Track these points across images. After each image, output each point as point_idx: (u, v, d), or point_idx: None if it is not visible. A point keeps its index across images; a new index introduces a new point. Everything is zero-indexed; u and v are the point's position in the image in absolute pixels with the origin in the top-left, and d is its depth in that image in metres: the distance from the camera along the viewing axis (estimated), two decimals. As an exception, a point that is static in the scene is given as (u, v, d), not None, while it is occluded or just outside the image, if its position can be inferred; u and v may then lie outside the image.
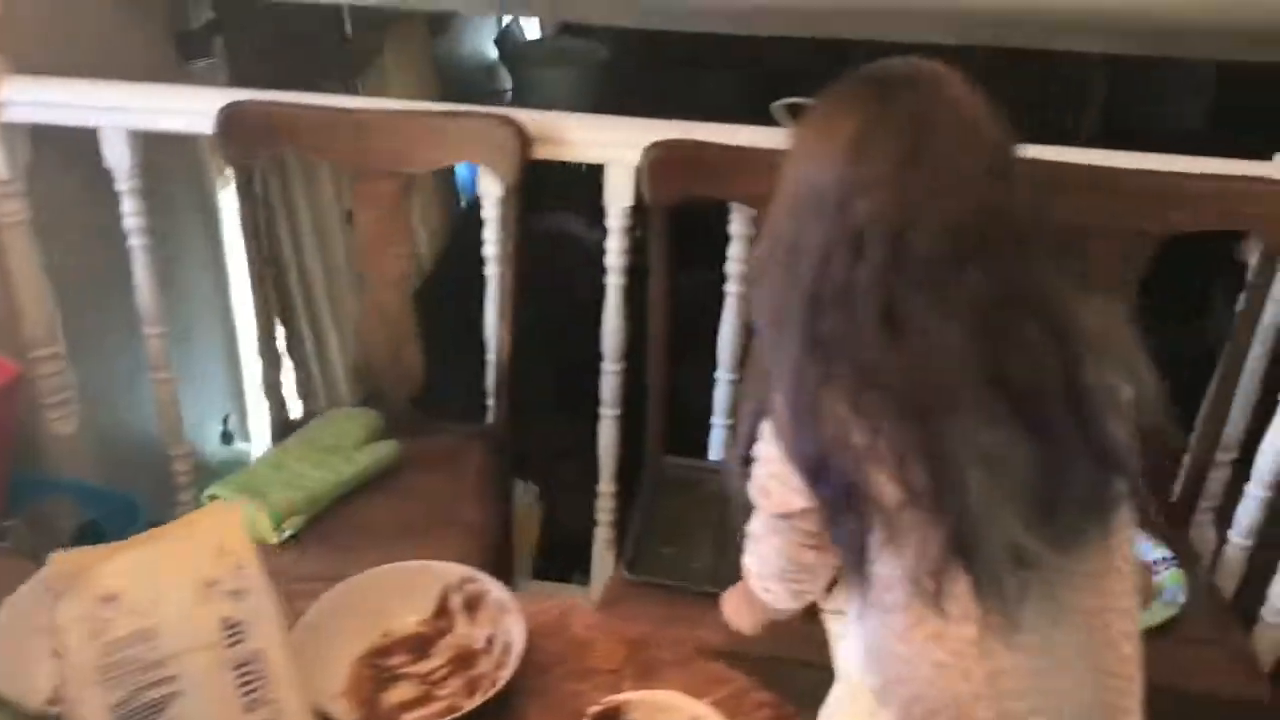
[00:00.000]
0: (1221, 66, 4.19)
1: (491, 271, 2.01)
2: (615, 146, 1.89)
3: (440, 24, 4.52)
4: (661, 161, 1.82)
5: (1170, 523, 1.93)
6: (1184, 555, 1.83)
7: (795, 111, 1.22)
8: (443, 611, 1.31)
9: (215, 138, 1.89)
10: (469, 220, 4.36)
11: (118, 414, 2.46)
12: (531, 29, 5.32)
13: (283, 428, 2.09)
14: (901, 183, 1.08)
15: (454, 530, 1.84)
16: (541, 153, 1.93)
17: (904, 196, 1.08)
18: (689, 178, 1.84)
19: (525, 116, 1.89)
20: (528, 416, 2.25)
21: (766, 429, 1.23)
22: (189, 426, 2.76)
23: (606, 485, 2.23)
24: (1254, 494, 1.92)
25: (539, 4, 2.99)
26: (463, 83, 4.97)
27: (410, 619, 1.30)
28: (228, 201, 2.81)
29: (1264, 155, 1.84)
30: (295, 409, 2.24)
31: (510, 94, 5.06)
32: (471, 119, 1.89)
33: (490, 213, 1.96)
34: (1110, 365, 1.16)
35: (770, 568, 1.32)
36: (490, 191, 1.94)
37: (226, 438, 2.86)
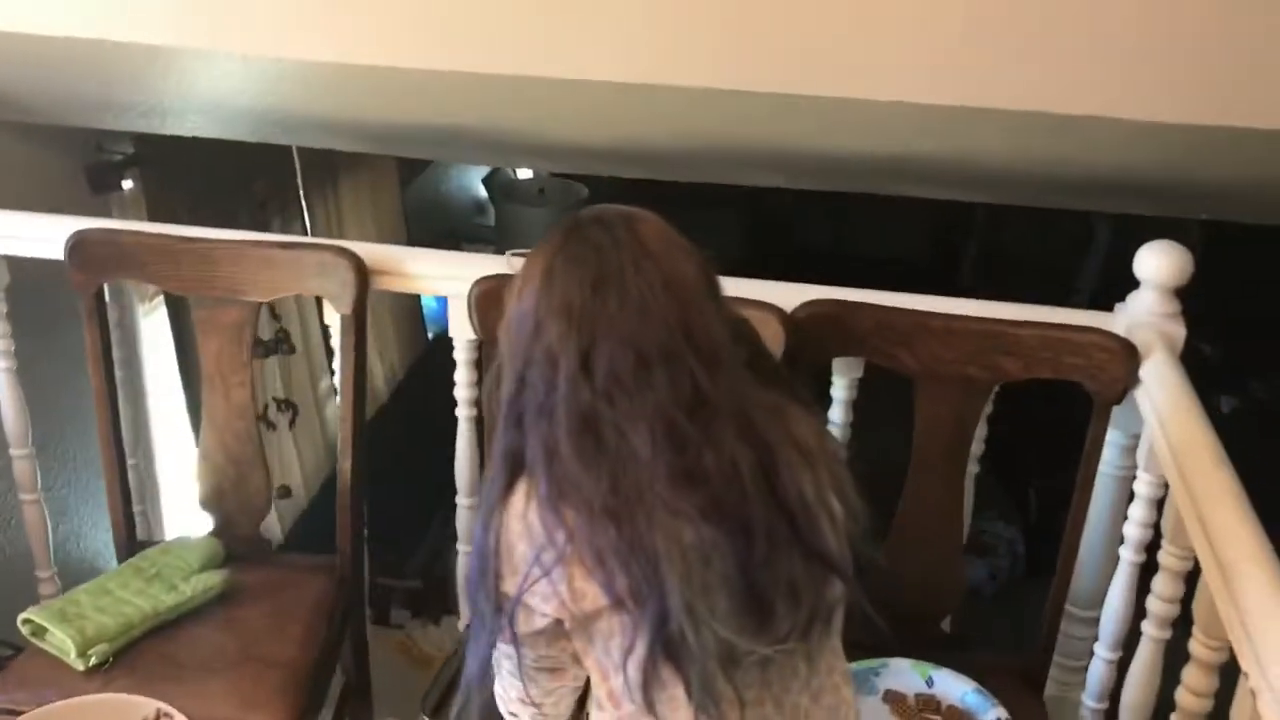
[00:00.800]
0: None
1: (337, 402, 2.01)
2: (453, 280, 1.90)
3: (424, 161, 4.64)
4: (486, 295, 1.82)
5: (1021, 681, 1.83)
6: (1027, 717, 1.73)
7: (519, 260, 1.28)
8: (137, 747, 1.26)
9: (65, 264, 1.93)
10: (434, 353, 4.41)
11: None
12: (523, 169, 5.44)
13: (130, 550, 2.07)
14: (585, 305, 1.16)
15: (261, 667, 1.79)
16: (382, 284, 1.95)
17: (588, 317, 1.15)
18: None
19: (363, 249, 1.91)
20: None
21: None
22: (100, 548, 2.77)
23: (465, 623, 2.18)
24: (1101, 655, 1.82)
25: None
26: (448, 218, 5.08)
27: (105, 754, 1.26)
28: (149, 324, 2.87)
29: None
30: (153, 530, 2.24)
31: (495, 230, 5.17)
32: (310, 250, 1.91)
33: (334, 342, 1.97)
34: (821, 475, 1.21)
35: (512, 692, 1.34)
36: (331, 321, 1.95)
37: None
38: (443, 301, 1.94)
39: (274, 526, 3.15)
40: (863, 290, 1.79)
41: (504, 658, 1.31)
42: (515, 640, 1.25)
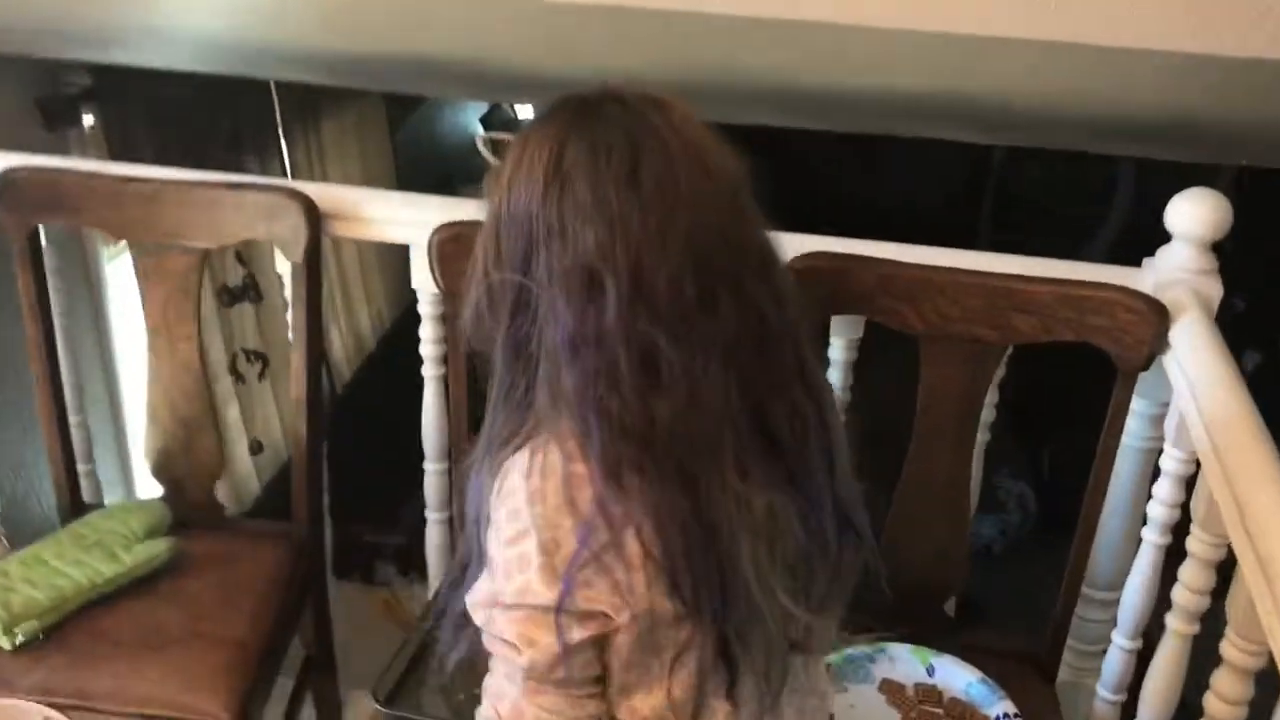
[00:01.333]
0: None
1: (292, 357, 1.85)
2: (415, 226, 1.73)
3: (417, 99, 4.44)
4: (450, 243, 1.66)
5: (1030, 667, 1.68)
6: (1037, 708, 1.59)
7: (499, 147, 1.05)
8: (25, 755, 1.13)
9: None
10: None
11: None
12: (524, 107, 5.24)
13: (74, 513, 1.93)
14: (625, 207, 0.92)
15: (206, 645, 1.65)
16: (337, 230, 1.78)
17: (630, 222, 0.91)
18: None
19: (316, 191, 1.75)
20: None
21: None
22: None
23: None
24: (1119, 643, 1.67)
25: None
26: (444, 159, 4.90)
27: (-10, 762, 1.12)
28: (115, 272, 2.72)
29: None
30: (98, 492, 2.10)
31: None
32: (257, 191, 1.74)
33: (288, 294, 1.81)
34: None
35: None
36: (283, 270, 1.79)
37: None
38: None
39: (252, 482, 3.02)
40: (865, 241, 1.62)
41: (535, 694, 0.99)
42: (566, 656, 0.97)
